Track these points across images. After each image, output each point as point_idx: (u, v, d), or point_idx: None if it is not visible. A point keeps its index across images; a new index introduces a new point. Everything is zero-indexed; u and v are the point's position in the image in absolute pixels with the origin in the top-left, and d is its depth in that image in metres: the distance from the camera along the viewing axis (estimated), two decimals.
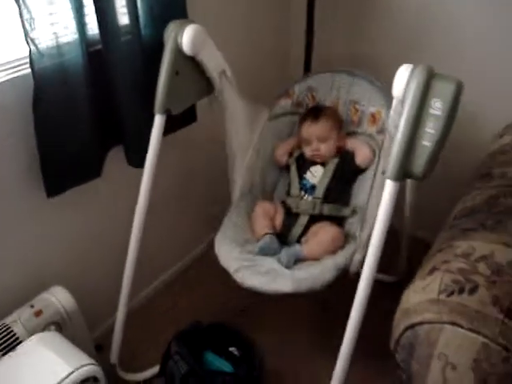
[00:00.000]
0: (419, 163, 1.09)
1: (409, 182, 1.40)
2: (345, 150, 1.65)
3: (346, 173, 1.63)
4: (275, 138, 1.74)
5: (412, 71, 1.07)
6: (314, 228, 1.54)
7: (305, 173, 1.65)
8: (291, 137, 1.75)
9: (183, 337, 1.46)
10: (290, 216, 1.60)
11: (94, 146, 1.38)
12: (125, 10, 1.33)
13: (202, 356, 1.47)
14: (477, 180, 1.40)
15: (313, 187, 1.62)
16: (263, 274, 1.38)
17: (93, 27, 1.30)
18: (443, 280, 1.02)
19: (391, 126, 1.12)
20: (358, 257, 1.40)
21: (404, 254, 1.72)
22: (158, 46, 1.35)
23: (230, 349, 1.48)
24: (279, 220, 1.60)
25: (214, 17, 1.70)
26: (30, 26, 1.14)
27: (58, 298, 1.33)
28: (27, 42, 1.15)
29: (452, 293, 0.99)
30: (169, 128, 1.45)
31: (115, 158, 1.51)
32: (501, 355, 0.91)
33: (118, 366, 1.59)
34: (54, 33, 1.21)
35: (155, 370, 1.54)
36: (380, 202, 1.20)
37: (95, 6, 1.26)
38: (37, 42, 1.17)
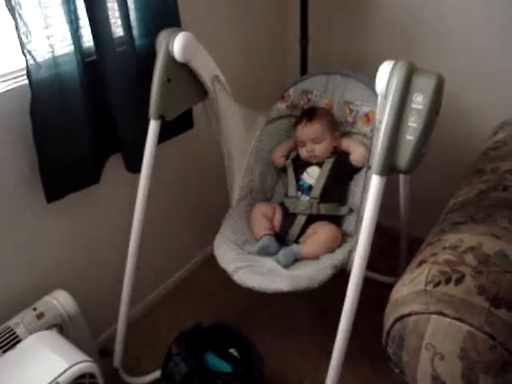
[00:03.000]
0: (404, 157, 1.10)
1: (401, 178, 1.41)
2: (340, 150, 1.67)
3: (342, 172, 1.65)
4: (272, 142, 1.77)
5: (393, 67, 1.09)
6: (312, 228, 1.57)
7: (301, 174, 1.68)
8: (287, 140, 1.78)
9: (184, 338, 1.48)
10: (288, 216, 1.63)
11: (91, 153, 1.42)
12: (119, 21, 1.38)
13: (202, 357, 1.49)
14: (470, 176, 1.41)
15: (310, 188, 1.64)
16: (262, 274, 1.40)
17: (88, 39, 1.35)
18: (430, 271, 1.03)
19: (377, 122, 1.14)
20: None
21: (404, 255, 1.72)
22: (151, 56, 1.40)
23: (230, 350, 1.50)
24: (278, 221, 1.63)
25: (207, 25, 1.74)
26: (27, 38, 1.20)
27: (60, 301, 1.37)
28: (24, 54, 1.20)
29: (438, 283, 1.00)
30: (165, 135, 1.50)
31: (115, 164, 1.55)
32: (487, 343, 0.91)
33: (122, 370, 1.61)
34: (51, 45, 1.26)
35: (158, 373, 1.56)
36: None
37: (90, 18, 1.31)
38: (34, 53, 1.22)
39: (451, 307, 0.95)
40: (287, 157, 1.75)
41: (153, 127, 1.40)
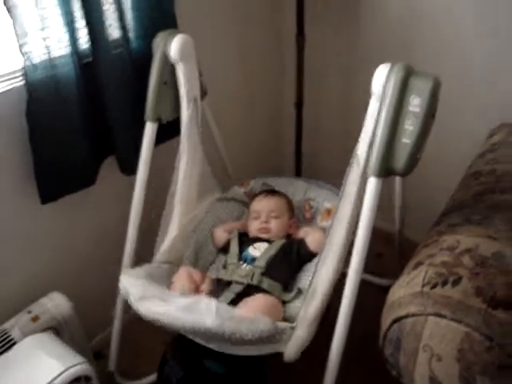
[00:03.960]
0: (400, 160, 1.11)
1: (397, 180, 1.42)
2: (294, 237, 1.53)
3: (293, 256, 1.45)
4: (218, 219, 1.61)
5: (390, 69, 1.10)
6: (248, 299, 1.27)
7: (247, 247, 1.47)
8: (236, 220, 1.65)
9: (180, 341, 1.47)
10: (221, 284, 1.37)
11: (87, 154, 1.42)
12: (116, 23, 1.38)
13: (199, 361, 1.48)
14: (467, 178, 1.41)
15: (253, 259, 1.42)
16: (178, 304, 1.12)
17: (85, 41, 1.35)
18: (427, 273, 1.03)
19: (370, 122, 1.14)
20: (299, 334, 1.18)
21: (399, 257, 1.72)
22: (148, 58, 1.40)
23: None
24: (206, 288, 1.35)
25: (203, 27, 1.73)
26: (23, 39, 1.20)
27: (55, 303, 1.37)
28: (22, 55, 1.20)
29: (435, 285, 1.00)
30: (161, 137, 1.49)
31: (111, 165, 1.55)
32: (484, 345, 0.91)
33: (117, 373, 1.61)
34: (47, 46, 1.26)
35: (154, 377, 1.55)
36: (327, 279, 1.20)
37: (86, 20, 1.31)
38: (30, 55, 1.22)
39: (448, 308, 0.95)
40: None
41: (149, 129, 1.41)
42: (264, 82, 2.18)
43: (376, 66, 1.13)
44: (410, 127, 1.08)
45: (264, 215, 1.53)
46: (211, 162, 1.62)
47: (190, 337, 1.25)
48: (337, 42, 2.04)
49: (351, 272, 1.17)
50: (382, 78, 1.10)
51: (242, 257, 1.45)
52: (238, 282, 1.34)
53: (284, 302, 1.35)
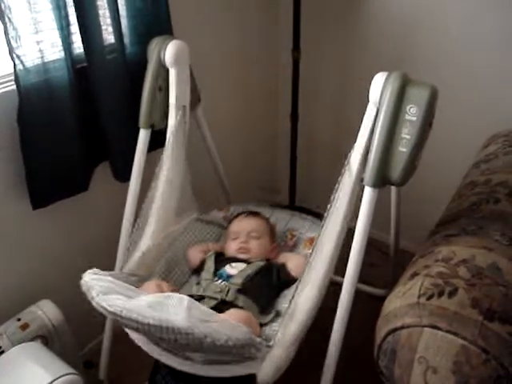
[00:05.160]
0: (397, 169, 1.10)
1: (393, 191, 1.41)
2: (275, 261, 1.45)
3: (273, 280, 1.37)
4: (194, 239, 1.54)
5: (387, 78, 1.09)
6: (222, 314, 1.14)
7: (223, 266, 1.37)
8: (213, 242, 1.56)
9: None
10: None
11: (80, 161, 1.41)
12: (110, 28, 1.37)
13: None
14: (462, 188, 1.41)
15: (230, 277, 1.32)
16: (146, 299, 1.01)
17: (79, 45, 1.33)
18: (423, 284, 1.02)
19: (365, 132, 1.13)
20: (275, 354, 1.08)
21: (394, 267, 1.72)
22: (142, 64, 1.39)
23: None
24: None
25: (199, 34, 1.73)
26: (16, 42, 1.18)
27: (45, 311, 1.35)
28: (12, 59, 1.19)
29: (431, 296, 0.99)
30: (155, 143, 1.48)
31: (103, 172, 1.53)
32: (481, 358, 0.90)
33: (108, 382, 1.58)
34: (40, 50, 1.25)
35: None
36: (307, 303, 1.14)
37: (80, 25, 1.29)
38: (23, 58, 1.21)
39: (444, 320, 0.94)
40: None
41: (142, 136, 1.39)
42: (258, 92, 2.18)
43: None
44: (406, 136, 1.08)
45: (244, 235, 1.45)
46: (207, 176, 1.61)
47: (153, 345, 1.15)
48: (332, 53, 2.05)
49: (346, 281, 1.16)
50: (378, 87, 1.10)
51: (217, 274, 1.35)
52: (211, 297, 1.24)
53: (261, 325, 1.24)
